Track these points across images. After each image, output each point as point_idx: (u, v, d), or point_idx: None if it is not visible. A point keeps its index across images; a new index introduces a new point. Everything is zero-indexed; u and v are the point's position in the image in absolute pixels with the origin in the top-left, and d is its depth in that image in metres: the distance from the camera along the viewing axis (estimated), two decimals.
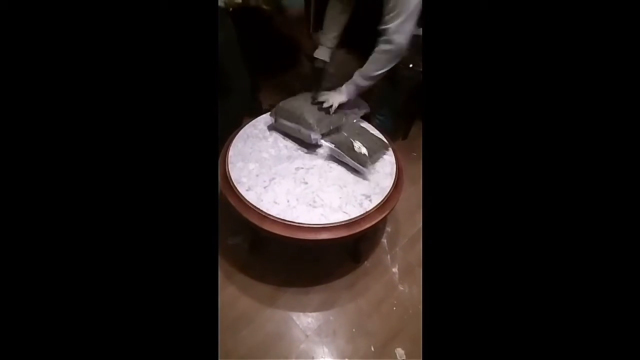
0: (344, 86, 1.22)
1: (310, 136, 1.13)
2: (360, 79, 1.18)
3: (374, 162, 1.16)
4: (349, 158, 1.10)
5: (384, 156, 1.21)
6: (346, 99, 1.21)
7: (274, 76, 1.89)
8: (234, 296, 1.20)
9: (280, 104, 1.21)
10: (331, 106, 1.20)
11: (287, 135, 1.23)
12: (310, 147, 1.19)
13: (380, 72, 1.15)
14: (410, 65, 1.53)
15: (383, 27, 1.08)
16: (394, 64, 1.15)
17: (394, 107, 1.70)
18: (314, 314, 1.18)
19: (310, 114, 1.15)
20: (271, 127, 1.26)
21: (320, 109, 1.20)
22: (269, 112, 1.26)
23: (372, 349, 1.12)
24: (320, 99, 1.22)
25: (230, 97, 1.44)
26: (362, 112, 1.31)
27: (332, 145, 1.13)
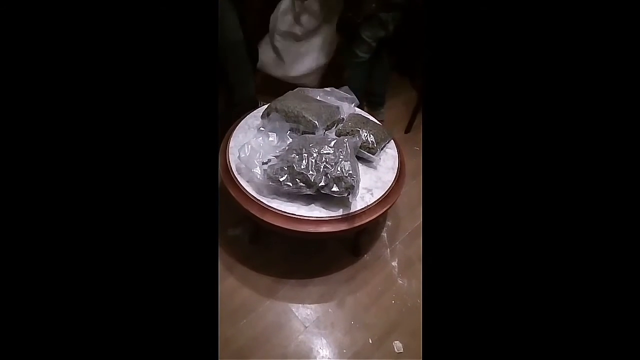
0: None
1: (314, 133, 1.12)
2: None
3: (380, 149, 1.15)
4: (357, 147, 1.09)
5: (387, 149, 1.20)
6: None
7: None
8: (234, 287, 1.21)
9: (272, 104, 1.17)
10: None
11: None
12: None
13: None
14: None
15: None
16: None
17: (358, 62, 1.64)
18: (313, 305, 1.19)
19: (308, 110, 1.13)
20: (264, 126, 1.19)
21: (320, 105, 1.17)
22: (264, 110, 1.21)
23: (370, 341, 1.12)
24: None
25: (235, 108, 1.38)
26: (353, 105, 1.29)
27: (338, 137, 1.12)
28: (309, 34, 1.62)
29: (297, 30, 1.59)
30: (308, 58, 1.66)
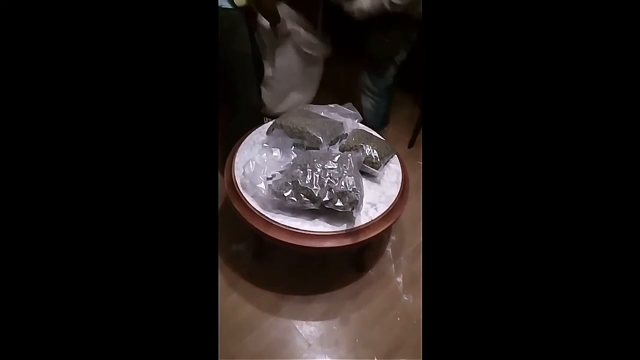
0: None
1: (318, 148, 1.13)
2: None
3: (384, 164, 1.16)
4: (361, 162, 1.10)
5: (390, 164, 1.21)
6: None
7: None
8: (237, 303, 1.19)
9: (277, 121, 1.19)
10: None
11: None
12: None
13: None
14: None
15: None
16: None
17: (387, 86, 1.61)
18: (317, 322, 1.17)
19: (312, 127, 1.14)
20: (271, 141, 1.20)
21: (324, 121, 1.19)
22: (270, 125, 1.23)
23: (376, 359, 1.10)
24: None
25: (238, 115, 1.40)
26: (357, 121, 1.31)
27: (342, 152, 1.13)
28: (289, 80, 1.65)
29: (272, 75, 1.63)
30: (288, 100, 1.70)
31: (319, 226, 1.00)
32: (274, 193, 0.99)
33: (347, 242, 0.99)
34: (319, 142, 1.11)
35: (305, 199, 0.97)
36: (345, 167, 1.00)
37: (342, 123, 1.24)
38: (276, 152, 1.13)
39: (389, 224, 1.05)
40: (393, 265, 1.35)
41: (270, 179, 1.04)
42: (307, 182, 0.97)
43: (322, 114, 1.26)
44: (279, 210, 1.01)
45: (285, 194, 0.98)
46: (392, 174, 1.18)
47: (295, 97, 1.71)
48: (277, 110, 1.70)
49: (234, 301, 1.20)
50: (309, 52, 1.57)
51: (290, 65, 1.60)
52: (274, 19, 1.35)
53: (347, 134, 1.22)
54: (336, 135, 1.18)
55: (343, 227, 1.00)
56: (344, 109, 1.30)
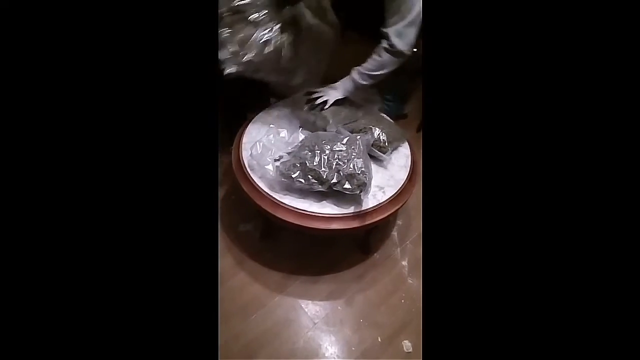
0: (339, 82, 1.17)
1: (326, 129, 1.12)
2: (358, 75, 1.12)
3: (392, 149, 1.15)
4: (369, 145, 1.09)
5: (400, 147, 1.19)
6: (342, 96, 1.17)
7: None
8: (244, 282, 1.22)
9: (290, 99, 1.18)
10: (326, 102, 1.13)
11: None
12: None
13: (379, 73, 1.09)
14: (415, 50, 1.45)
15: (384, 29, 1.03)
16: (393, 68, 1.09)
17: (400, 91, 1.60)
18: (322, 302, 1.19)
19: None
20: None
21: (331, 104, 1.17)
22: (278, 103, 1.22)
23: (379, 340, 1.12)
24: (315, 95, 1.16)
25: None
26: (375, 107, 1.28)
27: (351, 133, 1.11)
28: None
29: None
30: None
31: (327, 208, 1.00)
32: (282, 174, 0.99)
33: (354, 224, 1.00)
34: (327, 123, 1.10)
35: (313, 180, 0.97)
36: (354, 149, 0.99)
37: (357, 108, 1.22)
38: (283, 133, 1.12)
39: (396, 208, 1.05)
40: (399, 249, 1.36)
41: (278, 160, 1.04)
42: (315, 163, 0.96)
43: None
44: (286, 192, 1.02)
45: (293, 176, 0.97)
46: (401, 157, 1.17)
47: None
48: (284, 90, 1.68)
49: (241, 280, 1.22)
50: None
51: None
52: None
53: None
54: (350, 120, 1.17)
55: (350, 209, 1.00)
56: None
